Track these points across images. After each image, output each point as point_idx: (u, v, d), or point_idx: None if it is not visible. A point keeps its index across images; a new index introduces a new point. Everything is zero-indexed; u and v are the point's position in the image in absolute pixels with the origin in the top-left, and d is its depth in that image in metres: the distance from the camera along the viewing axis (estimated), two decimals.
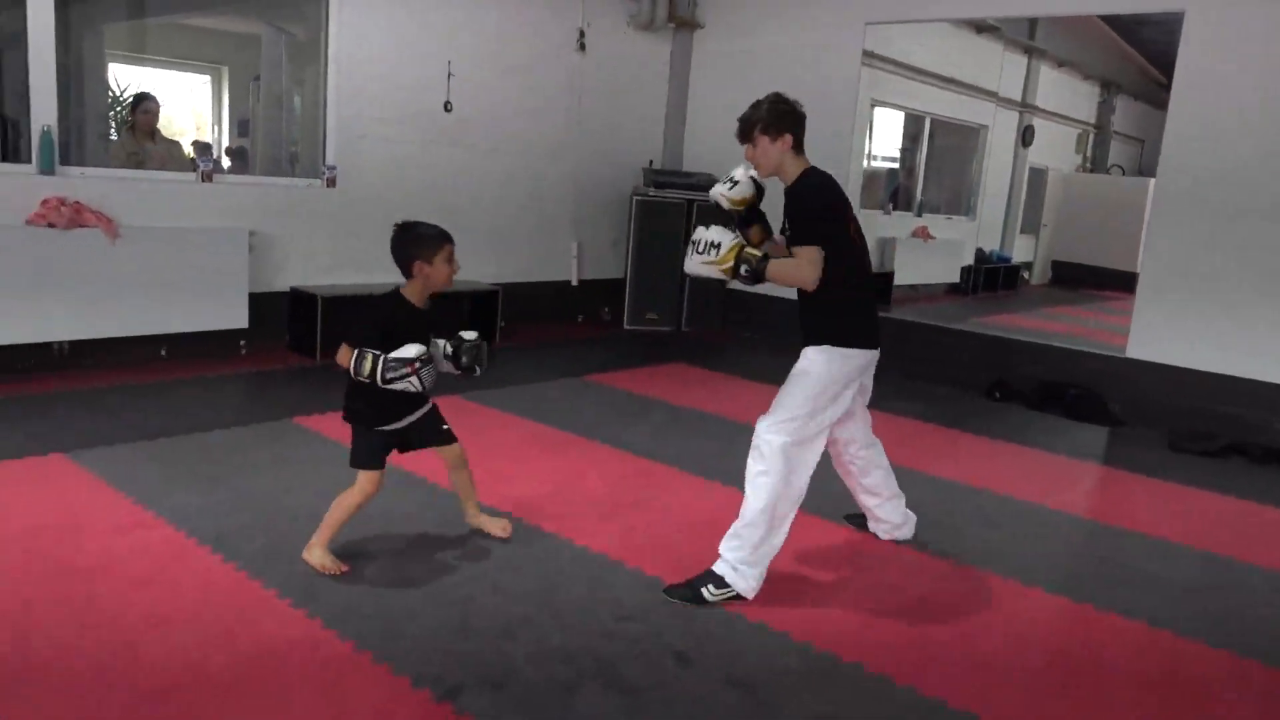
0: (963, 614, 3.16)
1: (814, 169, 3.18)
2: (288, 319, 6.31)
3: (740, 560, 3.05)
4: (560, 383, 5.96)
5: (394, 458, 3.22)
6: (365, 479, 3.11)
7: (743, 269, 3.03)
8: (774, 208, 3.26)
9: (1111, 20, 9.06)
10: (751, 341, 7.71)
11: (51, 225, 5.04)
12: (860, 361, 3.19)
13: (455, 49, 6.82)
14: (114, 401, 4.88)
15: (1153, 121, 9.44)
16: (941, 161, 10.21)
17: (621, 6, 7.96)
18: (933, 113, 9.61)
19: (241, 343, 6.07)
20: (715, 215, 3.36)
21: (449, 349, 3.06)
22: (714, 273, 3.08)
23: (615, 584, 3.15)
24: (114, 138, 7.22)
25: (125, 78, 8.51)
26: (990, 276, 10.59)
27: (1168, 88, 5.92)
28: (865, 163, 8.97)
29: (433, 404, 3.29)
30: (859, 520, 3.75)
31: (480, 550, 3.35)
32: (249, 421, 4.68)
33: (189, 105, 9.97)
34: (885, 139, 9.72)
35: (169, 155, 6.20)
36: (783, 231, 3.20)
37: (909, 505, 3.70)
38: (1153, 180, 6.14)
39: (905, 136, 9.86)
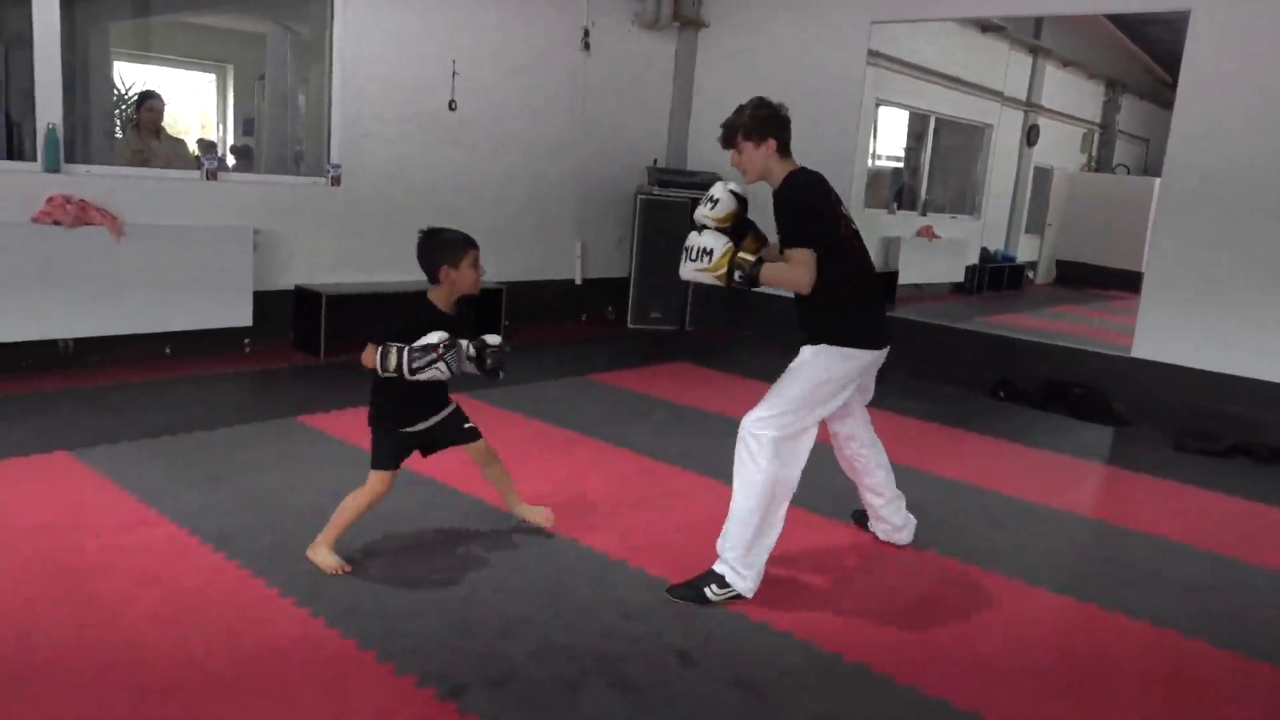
0: (966, 614, 3.16)
1: (800, 170, 3.14)
2: (292, 317, 6.32)
3: (738, 560, 3.04)
4: (564, 382, 5.96)
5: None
6: (378, 479, 3.12)
7: (736, 275, 3.03)
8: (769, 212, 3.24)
9: (1117, 19, 9.05)
10: (755, 341, 7.70)
11: (57, 223, 5.04)
12: (863, 362, 3.17)
13: (460, 48, 6.82)
14: (118, 399, 4.89)
15: (1158, 121, 9.43)
16: (946, 161, 10.19)
17: (626, 5, 7.95)
18: (938, 112, 9.59)
19: (246, 341, 6.08)
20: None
21: (472, 350, 3.06)
22: (708, 279, 3.08)
23: (618, 583, 3.15)
24: (119, 136, 7.23)
25: (130, 76, 8.53)
26: (995, 276, 10.58)
27: (1173, 87, 5.90)
28: (870, 162, 8.96)
29: (455, 404, 3.30)
30: (860, 517, 3.74)
31: (483, 549, 3.35)
32: (253, 420, 4.68)
33: (194, 103, 9.99)
34: (890, 138, 9.71)
35: (174, 153, 6.21)
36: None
37: (913, 504, 3.69)
38: (1158, 180, 6.12)
39: (910, 135, 9.84)
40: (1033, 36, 10.01)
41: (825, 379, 3.10)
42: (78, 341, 5.37)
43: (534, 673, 2.57)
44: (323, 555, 3.09)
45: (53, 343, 5.29)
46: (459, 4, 6.79)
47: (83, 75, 6.54)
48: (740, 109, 3.16)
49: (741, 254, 3.04)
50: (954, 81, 9.23)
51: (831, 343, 3.10)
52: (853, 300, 3.15)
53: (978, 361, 6.74)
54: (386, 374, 2.92)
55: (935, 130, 9.72)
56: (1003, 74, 9.78)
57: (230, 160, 8.60)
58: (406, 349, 2.90)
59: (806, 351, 3.14)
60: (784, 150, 3.14)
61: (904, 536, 3.61)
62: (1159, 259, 5.96)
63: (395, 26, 6.48)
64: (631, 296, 8.07)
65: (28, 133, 5.38)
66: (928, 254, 9.69)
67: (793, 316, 3.20)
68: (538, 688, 2.50)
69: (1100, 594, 3.35)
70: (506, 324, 6.98)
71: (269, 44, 7.01)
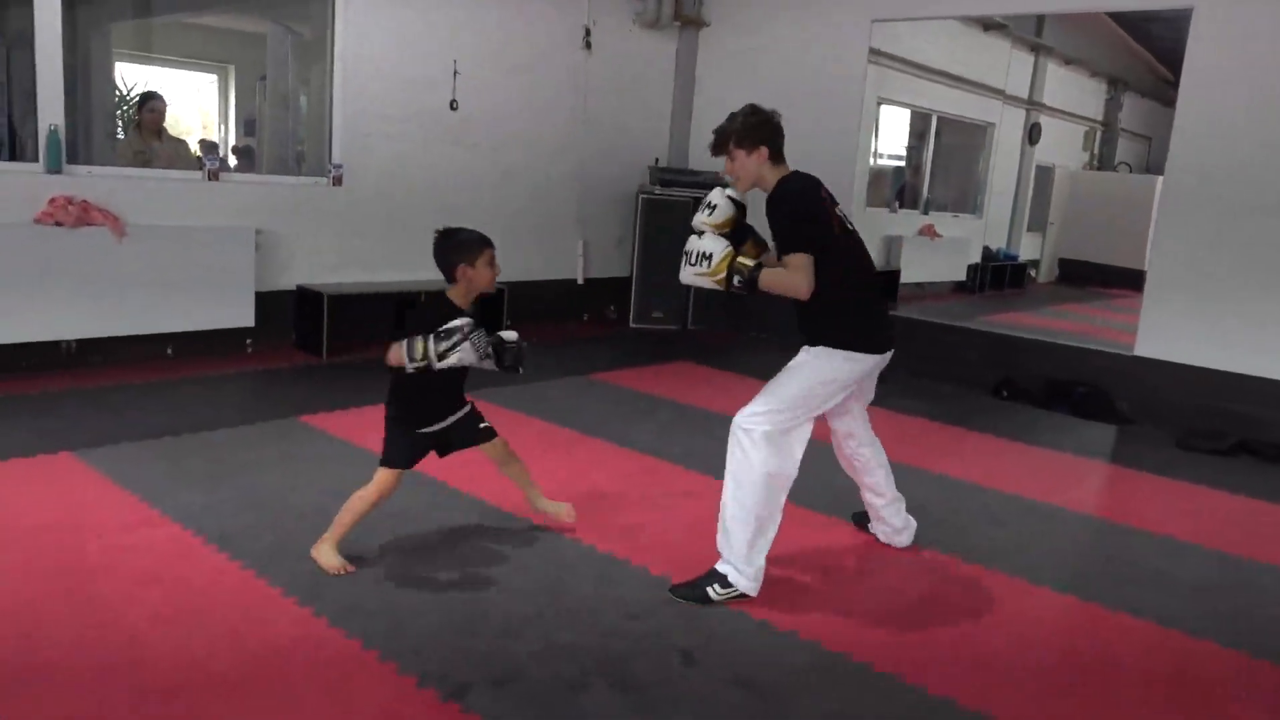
0: (970, 613, 3.15)
1: (792, 175, 3.12)
2: (294, 317, 6.32)
3: (739, 558, 3.03)
4: (566, 381, 5.96)
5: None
6: (387, 477, 3.12)
7: (735, 280, 3.01)
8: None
9: (1119, 17, 9.03)
10: (757, 340, 7.69)
11: (59, 224, 5.05)
12: (865, 365, 3.14)
13: (461, 47, 6.82)
14: (120, 400, 4.89)
15: (1160, 119, 9.42)
16: (948, 159, 10.18)
17: (627, 4, 7.95)
18: (939, 110, 9.58)
19: (248, 341, 6.08)
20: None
21: (489, 348, 3.06)
22: (707, 283, 3.06)
23: (621, 583, 3.15)
24: (121, 137, 7.23)
25: (132, 77, 8.53)
26: (997, 274, 10.56)
27: (1175, 85, 5.89)
28: (871, 161, 8.95)
29: (471, 404, 3.31)
30: (861, 519, 3.73)
31: (486, 548, 3.35)
32: (255, 420, 4.68)
33: (195, 104, 10.00)
34: (891, 137, 9.70)
35: (175, 154, 6.21)
36: None
37: (915, 503, 3.68)
38: (1160, 178, 6.11)
39: (911, 134, 9.83)
40: (1034, 34, 10.00)
41: (824, 380, 3.08)
42: (80, 342, 5.37)
43: (537, 672, 2.56)
44: (326, 555, 3.09)
45: (55, 343, 5.29)
46: (460, 3, 6.79)
47: (84, 76, 6.54)
48: (732, 116, 3.14)
49: (740, 259, 3.02)
50: (956, 80, 9.22)
51: (833, 345, 3.08)
52: (851, 302, 3.12)
53: (980, 360, 6.73)
54: (414, 364, 2.92)
55: (937, 129, 9.70)
56: (1004, 72, 9.77)
57: (232, 160, 8.61)
58: (432, 335, 2.92)
59: (808, 351, 3.12)
60: (776, 157, 3.12)
61: (904, 539, 3.59)
62: (1161, 257, 5.95)
63: (396, 26, 6.48)
64: (633, 296, 8.07)
65: (29, 133, 5.38)
66: (930, 253, 9.68)
67: (795, 316, 3.20)
68: (540, 687, 2.50)
69: (1104, 593, 3.34)
70: (508, 323, 6.98)
71: (270, 44, 7.01)
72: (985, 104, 9.79)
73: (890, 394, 3.38)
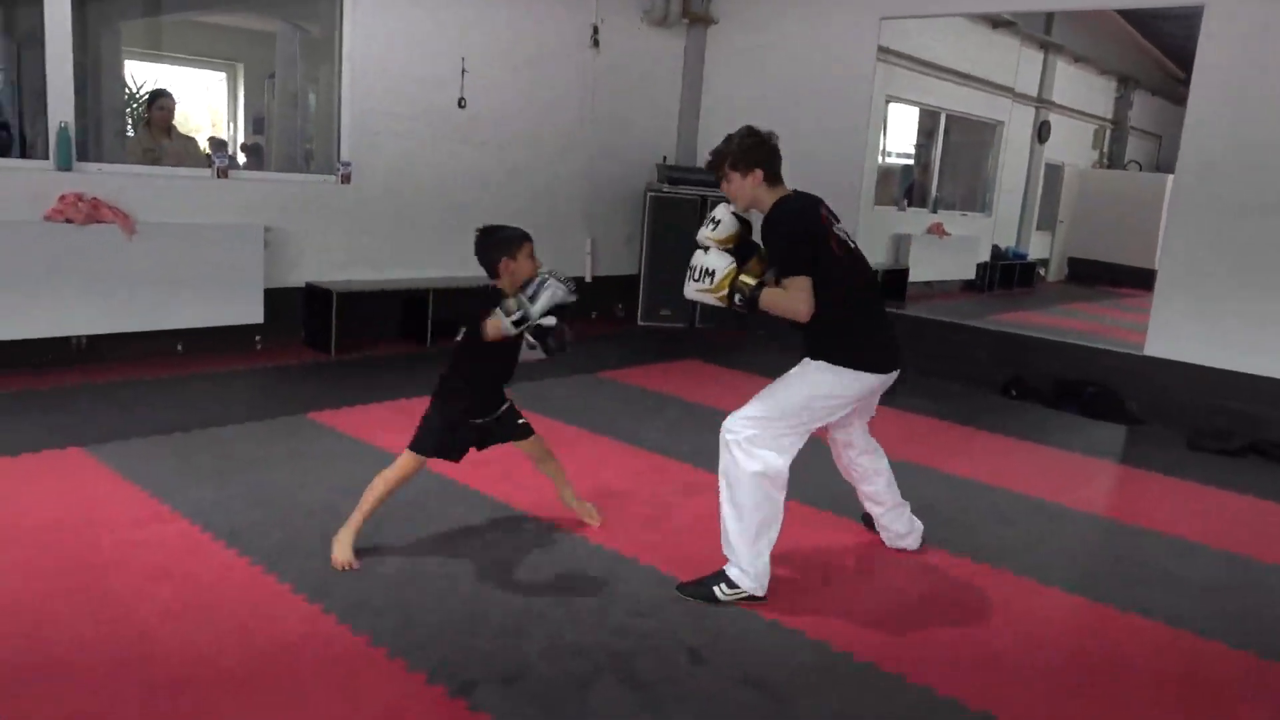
0: (979, 613, 3.14)
1: (791, 195, 3.08)
2: (303, 315, 6.33)
3: (741, 559, 3.03)
4: (574, 379, 5.96)
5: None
6: (412, 461, 3.16)
7: (736, 298, 3.01)
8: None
9: (1129, 14, 9.00)
10: (765, 339, 7.68)
11: (69, 221, 5.07)
12: (869, 385, 3.10)
13: (469, 45, 6.82)
14: (130, 396, 4.90)
15: (1170, 117, 9.37)
16: (957, 157, 10.15)
17: (635, 2, 7.94)
18: (948, 108, 9.55)
19: (257, 338, 6.09)
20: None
21: (530, 340, 3.15)
22: (710, 299, 3.06)
23: (629, 581, 3.15)
24: (130, 134, 7.25)
25: (141, 75, 8.55)
26: (1006, 273, 10.53)
27: (1185, 82, 5.87)
28: (880, 159, 8.93)
29: (510, 401, 3.36)
30: (869, 520, 3.71)
31: (494, 546, 3.35)
32: (264, 416, 4.69)
33: (205, 102, 10.02)
34: (900, 135, 9.67)
35: (185, 152, 6.22)
36: None
37: (923, 502, 3.67)
38: (1170, 176, 6.09)
39: (920, 132, 9.81)
40: (1044, 32, 9.96)
41: (824, 394, 3.06)
42: (90, 338, 5.40)
43: (544, 669, 2.57)
44: (340, 547, 3.10)
45: (65, 339, 5.31)
46: (468, 2, 6.80)
47: (94, 74, 6.55)
48: (728, 138, 3.12)
49: (743, 278, 3.01)
50: (964, 78, 9.19)
51: (836, 362, 3.04)
52: (856, 321, 3.08)
53: (989, 359, 6.72)
54: (513, 318, 3.03)
55: (946, 127, 9.68)
56: (1014, 70, 9.74)
57: (241, 158, 8.63)
58: (519, 292, 3.06)
59: (811, 363, 3.08)
60: (772, 179, 3.09)
61: (910, 542, 3.56)
62: (1172, 256, 5.93)
63: (404, 24, 6.48)
64: (641, 294, 8.07)
65: (40, 131, 5.40)
66: (938, 251, 9.65)
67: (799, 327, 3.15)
68: (548, 685, 2.50)
69: (1113, 594, 3.33)
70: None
71: (279, 42, 7.02)
72: (994, 102, 9.76)
73: (899, 392, 3.36)
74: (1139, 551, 3.79)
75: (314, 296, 6.26)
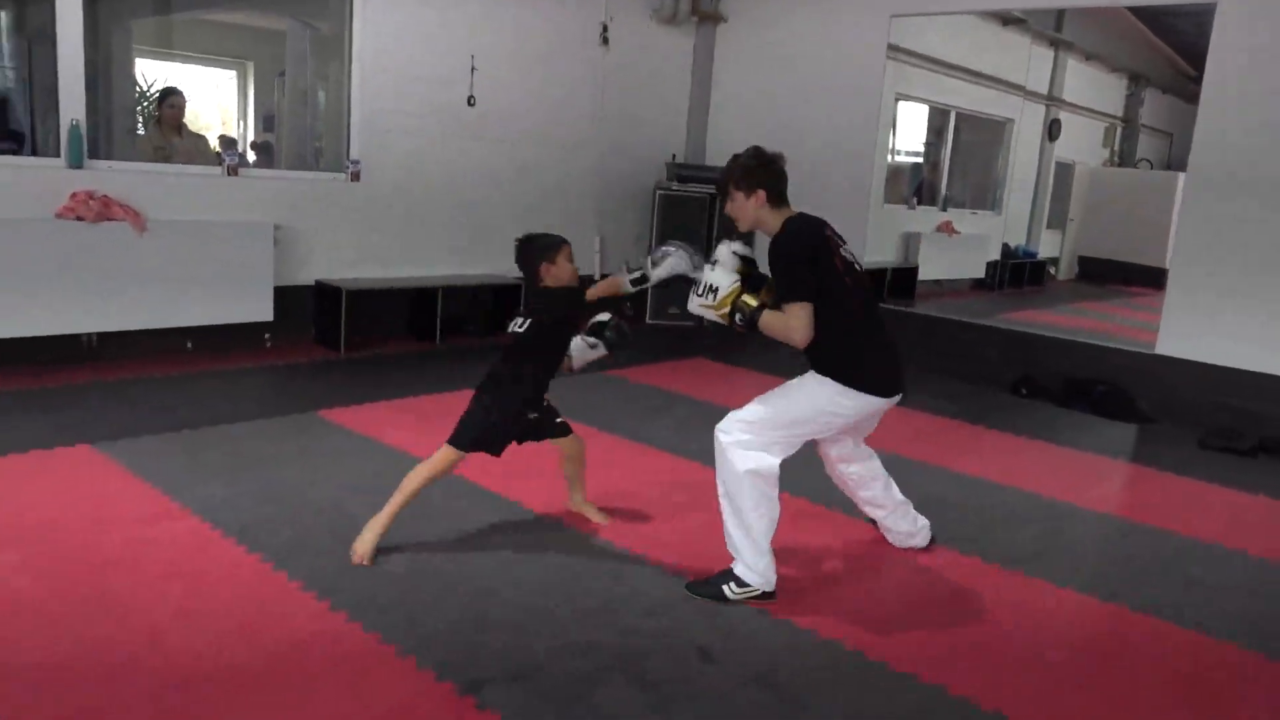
0: (990, 612, 3.13)
1: (794, 218, 3.05)
2: (312, 312, 6.34)
3: (745, 556, 3.02)
4: (581, 377, 5.92)
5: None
6: (451, 456, 3.18)
7: (736, 317, 3.01)
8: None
9: (1140, 12, 8.95)
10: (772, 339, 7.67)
11: (80, 218, 5.08)
12: (871, 406, 3.07)
13: (478, 43, 6.83)
14: (141, 393, 4.92)
15: (1181, 115, 9.31)
16: (967, 156, 10.10)
17: (644, 0, 7.94)
18: (958, 106, 9.52)
19: (266, 336, 6.11)
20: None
21: (589, 340, 3.26)
22: (711, 315, 3.06)
23: (637, 579, 3.14)
24: (141, 132, 7.27)
25: (152, 73, 8.57)
26: (1016, 272, 10.48)
27: (1197, 80, 5.83)
28: (889, 157, 8.90)
29: (547, 400, 3.41)
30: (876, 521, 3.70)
31: (503, 544, 3.35)
32: (274, 414, 4.70)
33: (215, 100, 10.03)
34: (909, 133, 9.64)
35: (195, 149, 6.24)
36: None
37: (934, 501, 3.66)
38: (1182, 174, 6.06)
39: (930, 130, 9.77)
40: (1054, 29, 9.91)
41: (825, 410, 3.04)
42: (101, 335, 5.41)
43: (554, 668, 2.57)
44: (366, 539, 3.11)
45: (76, 337, 5.33)
46: None
47: (105, 72, 6.57)
48: (734, 157, 3.10)
49: (745, 297, 3.00)
50: (975, 76, 9.15)
51: (841, 381, 3.02)
52: (859, 342, 3.06)
53: (999, 358, 6.69)
54: (632, 275, 3.17)
55: (955, 125, 9.64)
56: (1024, 68, 9.69)
57: (251, 156, 8.64)
58: (647, 259, 3.18)
59: (818, 376, 3.05)
60: (776, 200, 3.05)
61: (919, 540, 3.55)
62: (1184, 255, 5.90)
63: (414, 22, 6.49)
64: (650, 292, 8.04)
65: (51, 129, 5.42)
66: (948, 249, 9.62)
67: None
68: (557, 683, 2.50)
69: (1124, 593, 3.32)
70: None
71: (289, 40, 7.03)
72: (1004, 100, 9.71)
73: (909, 391, 3.35)
74: (1150, 551, 3.77)
75: (323, 294, 6.27)
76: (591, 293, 3.20)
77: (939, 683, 2.63)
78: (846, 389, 3.01)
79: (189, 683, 2.38)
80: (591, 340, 3.33)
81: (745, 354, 7.04)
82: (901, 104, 8.77)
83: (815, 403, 3.04)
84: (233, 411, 4.67)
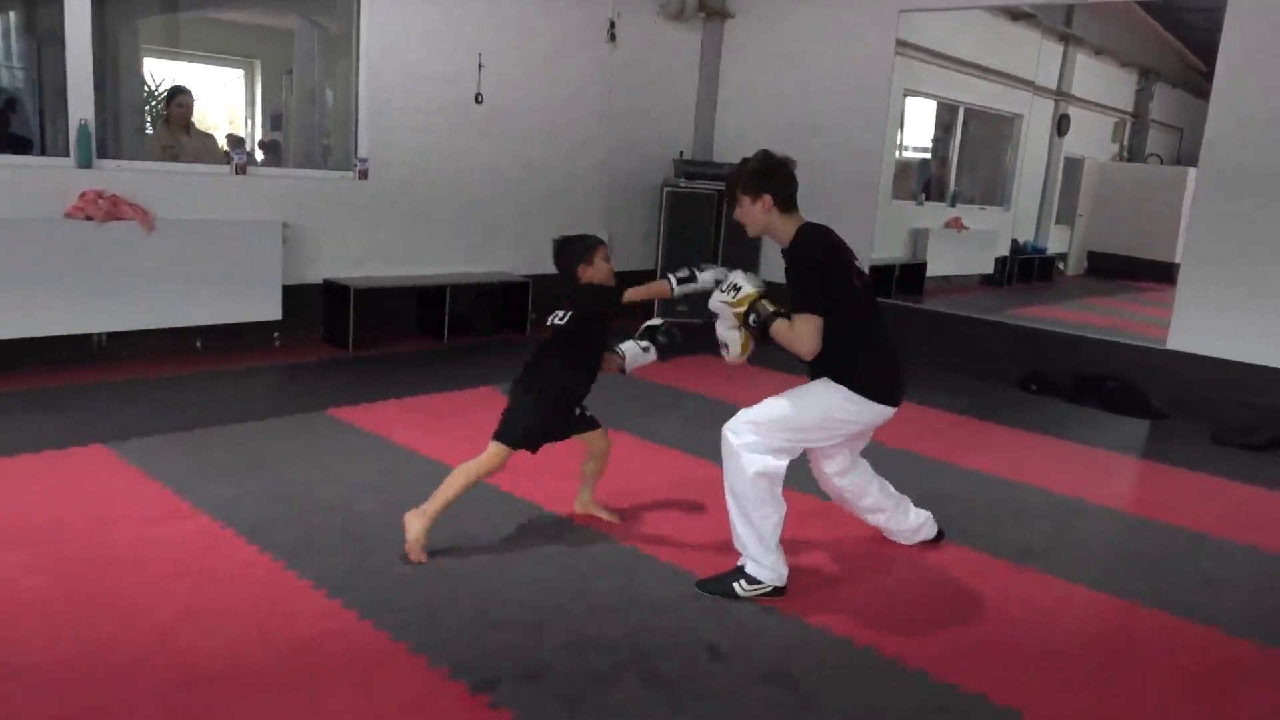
0: (1001, 608, 3.12)
1: (807, 226, 3.04)
2: (321, 311, 6.35)
3: (754, 553, 3.01)
4: None
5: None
6: (502, 453, 3.18)
7: (751, 318, 3.01)
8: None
9: (1150, 6, 8.91)
10: None
11: (89, 218, 5.09)
12: (879, 416, 3.07)
13: (485, 41, 6.82)
14: (150, 392, 4.93)
15: (1192, 110, 9.27)
16: (975, 151, 10.07)
17: None
18: (967, 102, 9.48)
19: (275, 334, 6.11)
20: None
21: (641, 344, 3.34)
22: (727, 313, 3.07)
23: (648, 577, 3.14)
24: (149, 131, 7.29)
25: (160, 72, 8.58)
26: (1025, 267, 10.45)
27: (1207, 75, 5.80)
28: (897, 153, 8.87)
29: None
30: None
31: (513, 542, 3.35)
32: (283, 413, 4.71)
33: (222, 99, 10.05)
34: (918, 129, 9.61)
35: (203, 148, 6.25)
36: None
37: (945, 497, 3.65)
38: (1192, 169, 6.02)
39: (938, 126, 9.74)
40: (1064, 24, 9.87)
41: (835, 417, 3.04)
42: (110, 335, 5.42)
43: (565, 666, 2.56)
44: (415, 529, 3.11)
45: (86, 336, 5.34)
46: None
47: (113, 72, 6.58)
48: (742, 162, 3.08)
49: (764, 301, 3.00)
50: (984, 71, 9.12)
51: (853, 389, 3.01)
52: (869, 353, 3.06)
53: (1008, 354, 6.67)
54: (680, 273, 3.24)
55: (964, 120, 9.61)
56: (1033, 63, 9.65)
57: (259, 155, 8.65)
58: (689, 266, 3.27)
59: (831, 384, 3.04)
60: (785, 205, 3.02)
61: (927, 532, 3.53)
62: (1195, 250, 5.87)
63: (421, 20, 6.48)
64: None
65: (60, 129, 5.43)
66: (956, 245, 9.59)
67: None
68: (569, 681, 2.49)
69: (1137, 590, 3.30)
70: (534, 316, 6.99)
71: (296, 39, 7.04)
72: (1013, 95, 9.67)
73: (917, 388, 3.34)
74: (1163, 547, 3.75)
75: (332, 293, 6.28)
76: (633, 293, 3.23)
77: (950, 679, 2.62)
78: (858, 396, 3.01)
79: (197, 682, 2.38)
80: (644, 344, 3.37)
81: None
82: (910, 99, 8.75)
83: (826, 408, 3.03)
84: (242, 410, 4.68)
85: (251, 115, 10.01)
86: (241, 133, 9.81)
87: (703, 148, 8.49)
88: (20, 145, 5.84)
